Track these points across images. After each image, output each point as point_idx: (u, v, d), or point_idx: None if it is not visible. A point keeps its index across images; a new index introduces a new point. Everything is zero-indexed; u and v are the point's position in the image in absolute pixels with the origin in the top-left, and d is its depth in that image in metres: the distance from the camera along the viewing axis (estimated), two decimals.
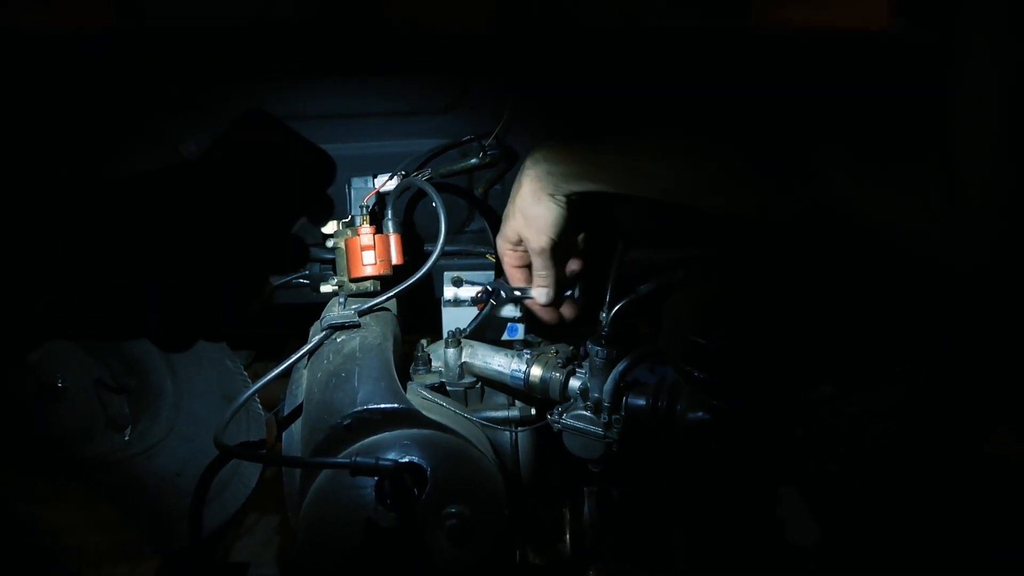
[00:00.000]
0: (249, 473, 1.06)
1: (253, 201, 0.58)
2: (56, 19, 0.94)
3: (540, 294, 1.07)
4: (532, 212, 1.01)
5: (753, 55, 0.92)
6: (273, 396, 1.29)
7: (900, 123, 0.73)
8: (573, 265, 1.09)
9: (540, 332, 1.19)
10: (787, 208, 0.81)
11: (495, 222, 1.20)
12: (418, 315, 1.22)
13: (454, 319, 1.23)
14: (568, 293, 1.11)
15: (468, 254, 1.24)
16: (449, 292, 1.21)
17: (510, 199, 1.04)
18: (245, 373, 1.12)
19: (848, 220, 0.76)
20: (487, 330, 1.21)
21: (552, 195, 0.99)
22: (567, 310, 1.11)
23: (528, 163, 1.01)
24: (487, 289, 1.12)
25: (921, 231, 0.71)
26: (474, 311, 1.21)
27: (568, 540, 1.17)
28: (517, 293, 1.10)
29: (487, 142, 1.14)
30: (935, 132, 0.66)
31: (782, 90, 0.88)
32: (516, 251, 1.06)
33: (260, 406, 1.09)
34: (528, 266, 1.08)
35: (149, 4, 0.93)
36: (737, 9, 0.88)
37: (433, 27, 0.98)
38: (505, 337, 1.24)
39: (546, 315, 1.11)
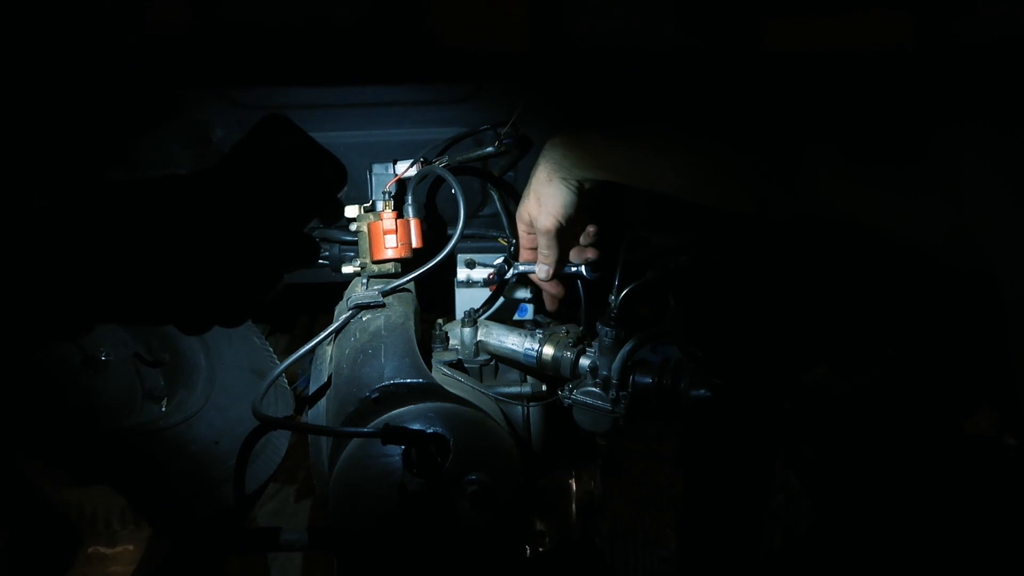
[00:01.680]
0: (279, 443, 1.13)
1: (270, 203, 0.63)
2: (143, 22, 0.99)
3: (540, 270, 1.14)
4: (544, 193, 1.08)
5: (763, 77, 0.98)
6: (291, 372, 1.36)
7: (894, 127, 0.78)
8: (588, 254, 1.15)
9: (549, 313, 1.26)
10: (782, 206, 0.87)
11: (507, 207, 1.26)
12: (432, 294, 1.28)
13: (467, 300, 1.29)
14: (574, 269, 1.17)
15: (481, 237, 1.29)
16: (462, 273, 1.27)
17: (528, 182, 1.10)
18: (271, 349, 1.18)
19: (839, 217, 0.82)
20: (499, 310, 1.28)
21: (564, 179, 1.06)
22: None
23: (546, 147, 1.08)
24: (497, 265, 1.18)
25: (913, 231, 0.77)
26: (486, 292, 1.27)
27: (575, 510, 1.24)
28: (522, 268, 1.17)
29: (503, 131, 1.19)
30: (928, 137, 0.73)
31: (787, 101, 0.94)
32: (530, 234, 1.13)
33: (286, 380, 1.15)
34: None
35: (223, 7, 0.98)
36: (748, 32, 0.94)
37: (469, 43, 1.04)
38: (516, 317, 1.31)
39: (547, 288, 1.18)
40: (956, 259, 0.74)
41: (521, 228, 1.14)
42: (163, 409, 1.17)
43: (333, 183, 0.68)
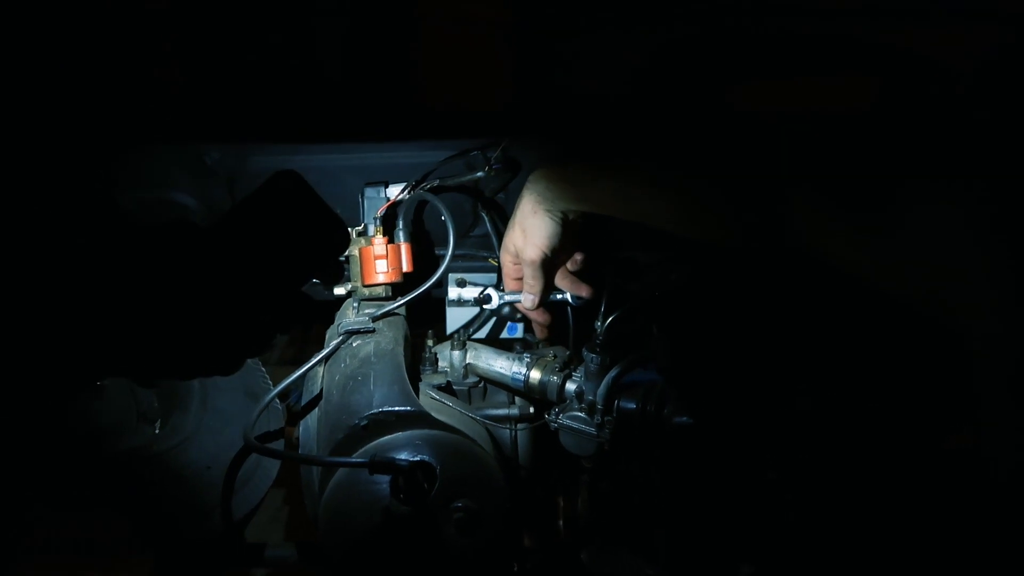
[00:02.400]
0: (270, 466, 1.15)
1: (274, 262, 0.64)
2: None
3: (526, 299, 1.16)
4: (528, 224, 1.09)
5: (735, 128, 1.00)
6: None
7: (864, 175, 0.81)
8: (583, 292, 1.16)
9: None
10: (758, 243, 0.90)
11: (497, 228, 1.28)
12: (423, 309, 1.30)
13: (458, 318, 1.32)
14: (560, 297, 1.19)
15: (472, 257, 1.31)
16: (453, 292, 1.28)
17: (513, 214, 1.12)
18: (264, 370, 1.20)
19: (815, 257, 0.84)
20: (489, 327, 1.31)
21: (548, 211, 1.08)
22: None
23: (530, 180, 1.10)
24: (481, 295, 1.21)
25: (882, 274, 0.79)
26: (476, 310, 1.29)
27: (562, 526, 1.27)
28: (508, 298, 1.19)
29: (492, 155, 1.21)
30: (896, 187, 0.75)
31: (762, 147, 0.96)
32: (516, 265, 1.15)
33: (278, 400, 1.17)
34: None
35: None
36: (716, 94, 0.97)
37: (456, 102, 1.06)
38: (505, 335, 1.33)
39: (533, 316, 1.20)
40: (924, 305, 0.76)
41: (507, 259, 1.16)
42: (157, 431, 1.19)
43: (337, 247, 0.69)
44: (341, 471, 0.96)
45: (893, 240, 0.76)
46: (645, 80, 1.01)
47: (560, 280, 1.18)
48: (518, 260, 1.14)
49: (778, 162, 0.86)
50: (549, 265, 1.13)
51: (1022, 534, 0.75)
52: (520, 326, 1.33)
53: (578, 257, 1.16)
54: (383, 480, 0.94)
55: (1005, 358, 0.70)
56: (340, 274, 0.70)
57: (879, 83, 0.89)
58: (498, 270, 1.26)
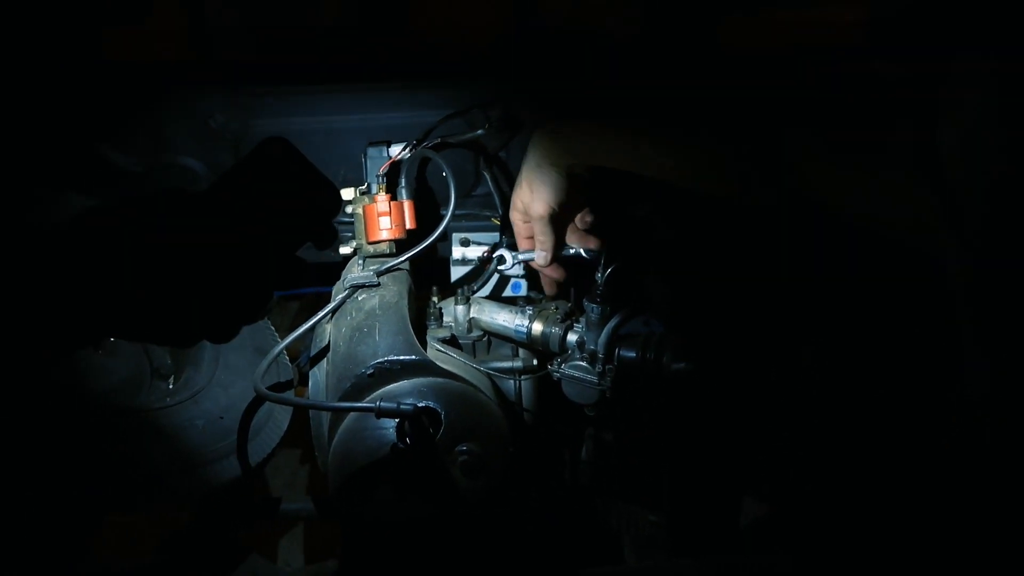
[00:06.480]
0: (281, 418, 1.18)
1: (265, 227, 0.65)
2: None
3: (539, 256, 1.17)
4: (534, 179, 1.11)
5: (730, 68, 1.01)
6: (294, 349, 1.41)
7: (861, 115, 0.82)
8: (591, 244, 1.17)
9: (541, 289, 1.30)
10: (764, 193, 0.91)
11: (499, 187, 1.30)
12: (429, 271, 1.32)
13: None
14: (572, 251, 1.20)
15: (475, 217, 1.33)
16: (457, 252, 1.31)
17: (520, 171, 1.14)
18: (272, 328, 1.24)
19: (820, 204, 0.85)
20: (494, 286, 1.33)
21: (554, 165, 1.09)
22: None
23: (534, 136, 1.11)
24: (494, 255, 1.22)
25: (880, 213, 0.80)
26: (480, 269, 1.31)
27: (566, 477, 1.29)
28: (522, 257, 1.21)
29: (491, 113, 1.23)
30: (897, 126, 0.76)
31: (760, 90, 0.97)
32: (527, 223, 1.16)
33: (287, 356, 1.20)
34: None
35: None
36: (707, 31, 0.97)
37: (452, 40, 1.07)
38: (509, 293, 1.35)
39: (548, 273, 1.22)
40: (918, 241, 0.78)
41: (516, 217, 1.17)
42: (171, 386, 1.23)
43: (328, 209, 0.70)
44: (349, 418, 0.99)
45: (888, 176, 0.77)
46: (654, 14, 1.01)
47: (569, 236, 1.20)
48: (527, 218, 1.15)
49: (775, 108, 0.87)
50: (558, 220, 1.14)
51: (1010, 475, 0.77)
52: (523, 284, 1.35)
53: (588, 218, 1.18)
54: (389, 425, 0.96)
55: (977, 294, 0.72)
56: (333, 237, 0.71)
57: (865, 15, 0.90)
58: (500, 228, 1.28)
